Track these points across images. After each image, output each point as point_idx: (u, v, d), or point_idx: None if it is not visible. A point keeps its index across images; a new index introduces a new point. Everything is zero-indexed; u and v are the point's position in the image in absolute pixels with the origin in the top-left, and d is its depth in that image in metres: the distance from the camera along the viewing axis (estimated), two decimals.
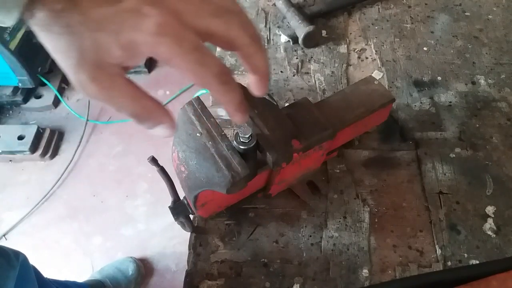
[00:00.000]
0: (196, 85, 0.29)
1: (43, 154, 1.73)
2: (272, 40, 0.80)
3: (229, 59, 0.77)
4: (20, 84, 1.77)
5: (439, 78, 0.73)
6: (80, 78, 0.26)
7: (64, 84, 1.97)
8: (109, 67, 0.26)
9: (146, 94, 0.28)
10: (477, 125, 0.67)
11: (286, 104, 0.64)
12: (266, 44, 0.79)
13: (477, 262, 0.53)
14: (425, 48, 0.78)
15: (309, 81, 0.73)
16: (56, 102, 1.91)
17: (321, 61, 0.76)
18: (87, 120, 1.84)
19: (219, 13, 0.28)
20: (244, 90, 0.48)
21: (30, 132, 1.72)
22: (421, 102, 0.70)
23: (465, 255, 0.54)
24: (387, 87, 0.71)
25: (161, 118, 0.29)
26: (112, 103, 0.28)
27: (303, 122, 0.50)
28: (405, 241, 0.55)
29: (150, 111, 0.29)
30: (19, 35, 1.65)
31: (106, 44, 0.25)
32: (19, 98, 1.85)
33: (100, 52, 0.25)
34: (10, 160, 1.74)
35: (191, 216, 0.56)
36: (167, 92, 1.96)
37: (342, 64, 0.75)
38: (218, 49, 0.79)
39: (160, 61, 0.27)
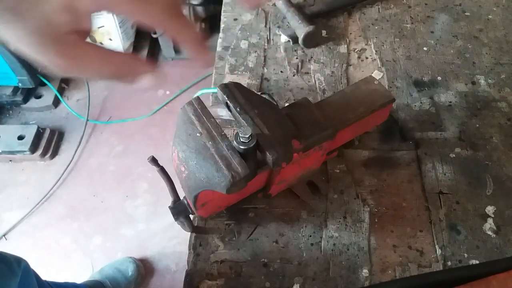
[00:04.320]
0: (149, 28, 0.28)
1: (43, 154, 1.73)
2: (272, 40, 0.80)
3: (229, 59, 0.77)
4: (20, 84, 1.77)
5: (439, 78, 0.73)
6: (48, 58, 0.26)
7: (64, 84, 1.97)
8: (66, 36, 0.26)
9: (114, 51, 0.28)
10: (477, 125, 0.67)
11: (286, 104, 0.64)
12: (266, 44, 0.79)
13: (477, 262, 0.53)
14: (425, 48, 0.78)
15: (309, 81, 0.73)
16: (56, 102, 1.92)
17: (321, 61, 0.76)
18: (87, 120, 1.84)
19: None
20: (237, 85, 0.48)
21: (30, 132, 1.72)
22: (421, 102, 0.70)
23: (465, 255, 0.54)
24: (387, 87, 0.71)
25: (140, 68, 0.29)
26: (87, 71, 0.27)
27: (303, 122, 0.50)
28: (405, 241, 0.55)
29: (125, 64, 0.28)
30: None
31: (51, 13, 0.25)
32: (19, 98, 1.85)
33: (50, 24, 0.25)
34: (10, 160, 1.74)
35: (191, 216, 0.56)
36: (167, 92, 1.96)
37: (342, 64, 0.75)
38: (219, 48, 0.79)
39: (107, 11, 0.26)
